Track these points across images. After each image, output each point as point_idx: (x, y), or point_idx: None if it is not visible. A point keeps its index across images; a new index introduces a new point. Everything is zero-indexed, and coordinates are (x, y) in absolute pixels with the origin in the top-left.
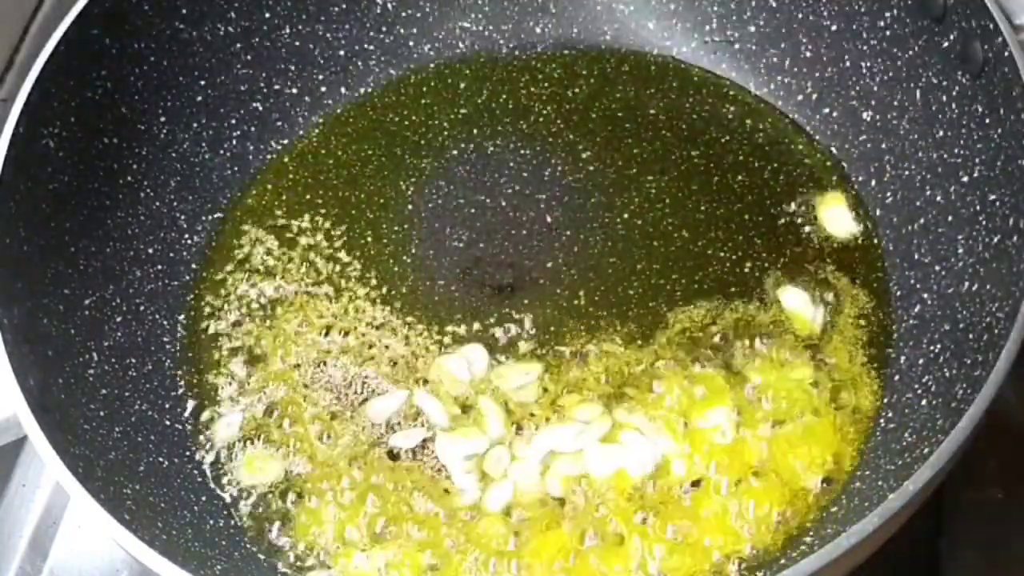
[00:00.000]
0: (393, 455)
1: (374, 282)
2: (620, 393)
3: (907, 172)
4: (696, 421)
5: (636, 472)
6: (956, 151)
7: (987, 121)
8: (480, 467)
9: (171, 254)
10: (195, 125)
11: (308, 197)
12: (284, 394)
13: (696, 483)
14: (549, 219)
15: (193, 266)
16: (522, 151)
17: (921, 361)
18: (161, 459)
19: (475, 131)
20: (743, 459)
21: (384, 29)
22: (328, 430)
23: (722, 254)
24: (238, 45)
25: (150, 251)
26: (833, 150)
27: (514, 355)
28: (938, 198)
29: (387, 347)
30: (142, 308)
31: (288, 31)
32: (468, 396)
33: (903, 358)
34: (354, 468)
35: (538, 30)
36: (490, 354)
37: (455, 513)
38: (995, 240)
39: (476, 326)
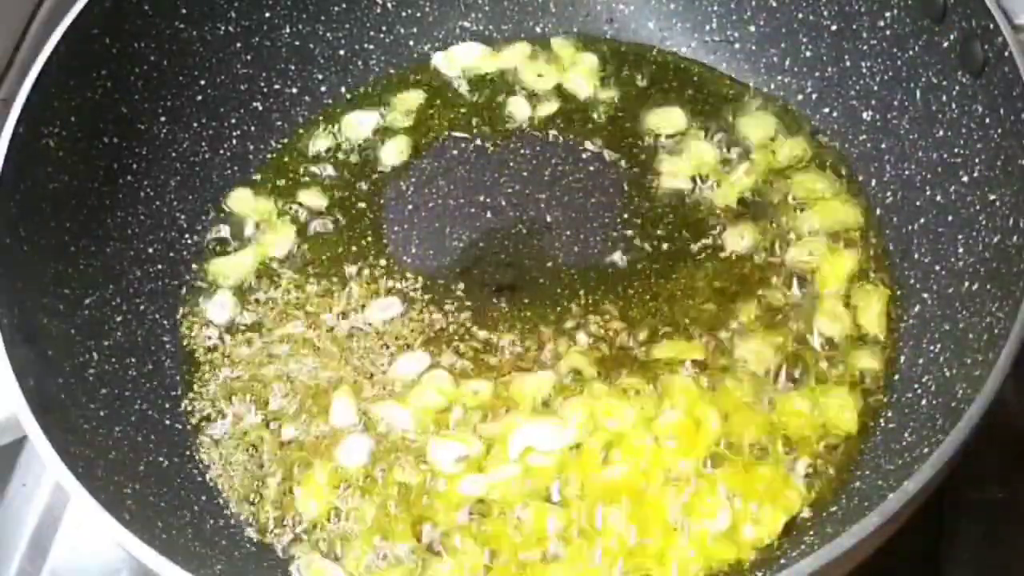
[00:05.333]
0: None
1: (374, 282)
2: (621, 392)
3: (907, 172)
4: (696, 420)
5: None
6: (956, 151)
7: (987, 121)
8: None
9: (171, 254)
10: (195, 125)
11: (308, 197)
12: (284, 393)
13: (692, 484)
14: (549, 219)
15: (193, 266)
16: (522, 151)
17: (921, 361)
18: (161, 459)
19: (475, 131)
20: (742, 458)
21: (384, 29)
22: (326, 428)
23: (722, 254)
24: (238, 45)
25: (150, 251)
26: (833, 150)
27: (513, 355)
28: (938, 198)
29: (387, 346)
30: (142, 308)
31: (288, 31)
32: (453, 402)
33: (903, 358)
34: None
35: (538, 30)
36: (490, 353)
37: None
38: (995, 240)
39: (476, 326)
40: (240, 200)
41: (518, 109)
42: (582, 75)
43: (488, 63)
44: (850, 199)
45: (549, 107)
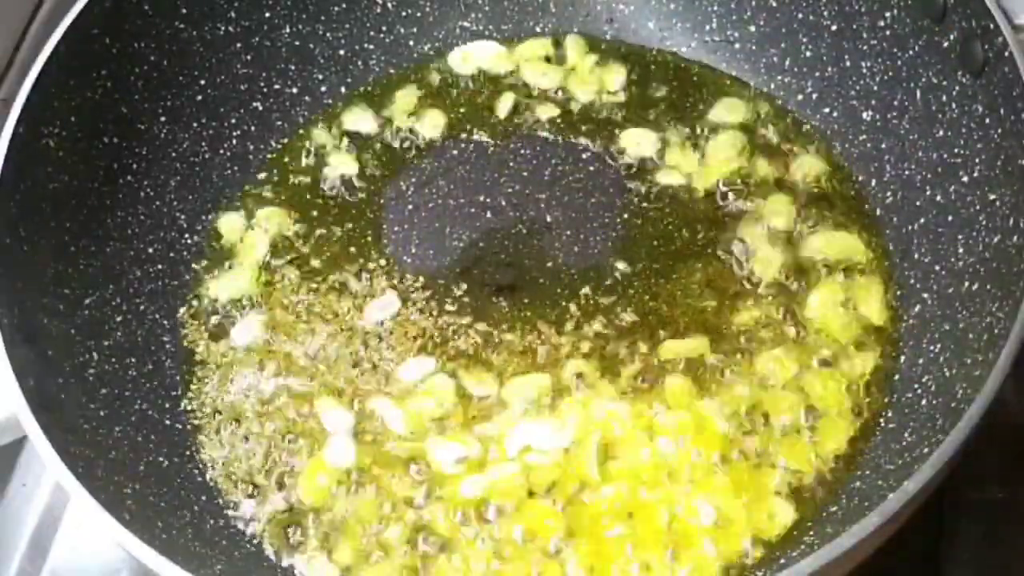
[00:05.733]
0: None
1: (374, 282)
2: (622, 393)
3: (907, 172)
4: (698, 420)
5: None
6: (956, 151)
7: (987, 121)
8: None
9: (171, 254)
10: (195, 125)
11: (308, 197)
12: (283, 393)
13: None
14: (549, 219)
15: (193, 266)
16: (522, 151)
17: (921, 361)
18: (161, 459)
19: (475, 131)
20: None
21: (384, 29)
22: (326, 428)
23: (721, 254)
24: (238, 45)
25: (150, 251)
26: (833, 150)
27: (513, 355)
28: (938, 198)
29: (385, 347)
30: (142, 308)
31: (288, 31)
32: (453, 403)
33: (903, 358)
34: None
35: (538, 30)
36: (490, 353)
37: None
38: (995, 240)
39: (476, 326)
40: (228, 223)
41: (520, 109)
42: (589, 75)
43: (503, 63)
44: (855, 229)
45: (551, 107)
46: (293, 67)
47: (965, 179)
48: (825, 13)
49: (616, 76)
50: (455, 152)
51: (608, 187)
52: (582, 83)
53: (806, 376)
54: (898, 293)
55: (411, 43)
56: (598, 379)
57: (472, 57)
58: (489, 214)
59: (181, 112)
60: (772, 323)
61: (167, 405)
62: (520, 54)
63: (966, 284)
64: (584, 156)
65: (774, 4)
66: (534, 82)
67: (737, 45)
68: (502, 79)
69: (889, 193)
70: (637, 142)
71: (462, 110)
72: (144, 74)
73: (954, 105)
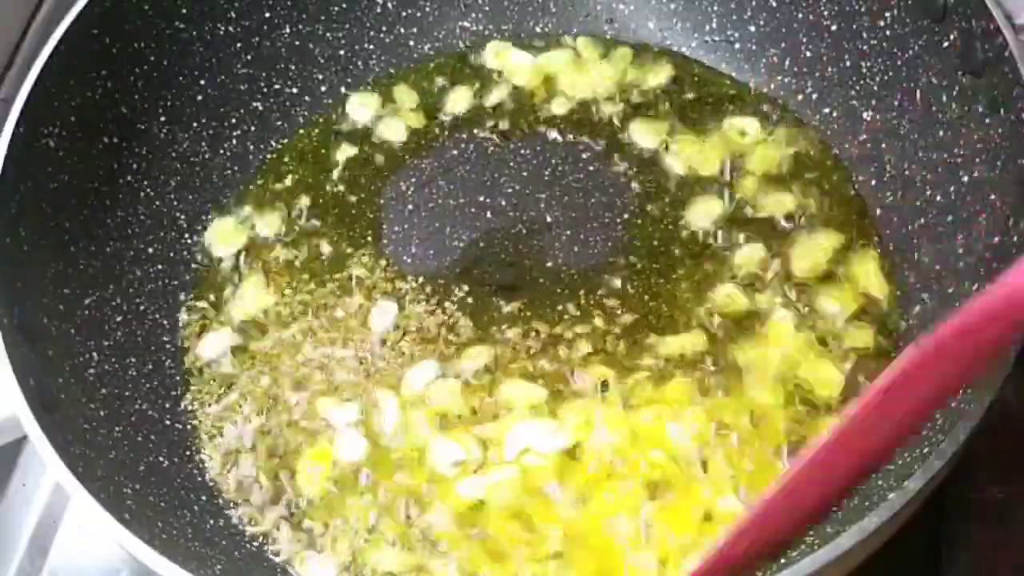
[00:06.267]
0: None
1: (373, 283)
2: (621, 393)
3: (907, 172)
4: (696, 420)
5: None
6: (956, 151)
7: (987, 121)
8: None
9: (171, 254)
10: (195, 125)
11: (308, 197)
12: (283, 393)
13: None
14: (549, 219)
15: (193, 266)
16: (522, 151)
17: None
18: (161, 459)
19: (475, 131)
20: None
21: (384, 29)
22: (325, 428)
23: (724, 254)
24: (238, 45)
25: (150, 251)
26: (833, 150)
27: (513, 355)
28: (938, 198)
29: (385, 347)
30: (142, 308)
31: (288, 31)
32: (452, 405)
33: None
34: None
35: (538, 29)
36: (492, 353)
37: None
38: (995, 240)
39: (476, 326)
40: (227, 223)
41: (520, 108)
42: (589, 75)
43: (530, 74)
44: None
45: (552, 107)
46: (293, 67)
47: (965, 179)
48: (825, 13)
49: (616, 76)
50: (455, 152)
51: (608, 187)
52: (583, 83)
53: (806, 375)
54: (898, 293)
55: (411, 43)
56: (599, 380)
57: (484, 61)
58: (489, 214)
59: (181, 112)
60: (771, 322)
61: (167, 405)
62: (546, 65)
63: (966, 284)
64: (584, 156)
65: (774, 4)
66: (554, 87)
67: (737, 45)
68: (503, 79)
69: (889, 193)
70: (637, 139)
71: (462, 110)
72: (144, 74)
73: (954, 105)
